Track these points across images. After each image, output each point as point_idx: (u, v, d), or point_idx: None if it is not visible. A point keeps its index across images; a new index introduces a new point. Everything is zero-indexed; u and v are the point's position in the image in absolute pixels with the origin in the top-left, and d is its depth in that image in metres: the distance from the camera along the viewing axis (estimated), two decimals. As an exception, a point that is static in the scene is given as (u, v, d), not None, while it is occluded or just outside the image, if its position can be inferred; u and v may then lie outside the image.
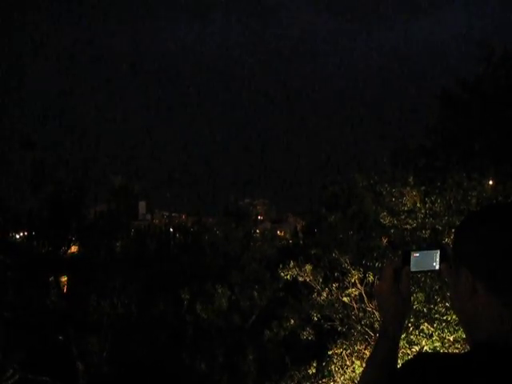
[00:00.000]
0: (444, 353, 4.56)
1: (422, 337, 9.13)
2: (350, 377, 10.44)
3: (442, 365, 1.23)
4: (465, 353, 1.31)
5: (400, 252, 1.68)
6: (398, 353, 1.65)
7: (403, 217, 12.10)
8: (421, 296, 9.58)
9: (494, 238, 1.25)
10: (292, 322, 14.63)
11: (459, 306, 1.35)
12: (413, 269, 1.63)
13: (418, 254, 1.62)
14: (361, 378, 1.64)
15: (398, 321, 1.64)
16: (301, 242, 31.61)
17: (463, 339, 8.73)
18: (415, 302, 9.46)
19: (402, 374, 1.30)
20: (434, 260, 1.58)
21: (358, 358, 10.51)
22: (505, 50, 14.56)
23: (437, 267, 1.57)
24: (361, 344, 10.80)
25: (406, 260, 1.64)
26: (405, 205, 12.13)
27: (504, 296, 1.23)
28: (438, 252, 1.57)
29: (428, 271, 1.63)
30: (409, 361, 1.31)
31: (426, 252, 1.61)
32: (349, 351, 10.78)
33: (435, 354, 1.33)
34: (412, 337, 9.23)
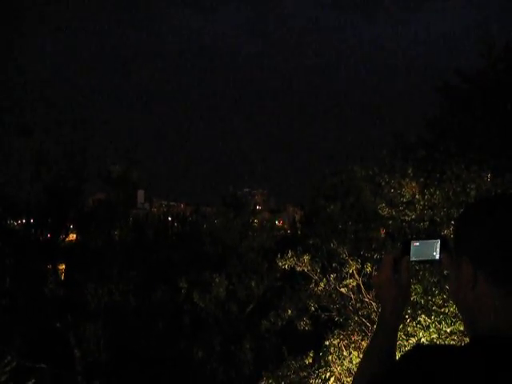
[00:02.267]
0: (442, 344, 4.56)
1: (420, 328, 9.13)
2: (347, 367, 10.45)
3: (440, 356, 1.22)
4: (464, 344, 1.30)
5: (399, 243, 1.67)
6: (396, 343, 1.64)
7: (402, 208, 12.10)
8: (419, 287, 9.58)
9: (495, 229, 1.24)
10: (289, 311, 14.64)
11: (460, 297, 1.34)
12: (412, 258, 1.61)
13: (418, 244, 1.60)
14: (358, 368, 1.63)
15: (396, 311, 1.62)
16: (299, 232, 31.64)
17: (460, 331, 8.75)
18: (413, 294, 9.46)
19: (400, 366, 1.29)
20: (434, 250, 1.56)
21: (355, 348, 10.52)
22: (506, 43, 14.53)
23: (437, 257, 1.55)
24: (358, 335, 10.81)
25: (406, 249, 1.62)
26: (404, 196, 12.13)
27: (505, 287, 1.22)
28: (439, 242, 1.55)
29: (428, 261, 1.61)
30: (407, 352, 1.30)
31: (426, 242, 1.59)
32: (346, 342, 10.79)
33: (434, 345, 1.32)
34: (409, 328, 9.23)
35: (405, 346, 8.82)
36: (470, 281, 1.27)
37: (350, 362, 10.44)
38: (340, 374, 10.56)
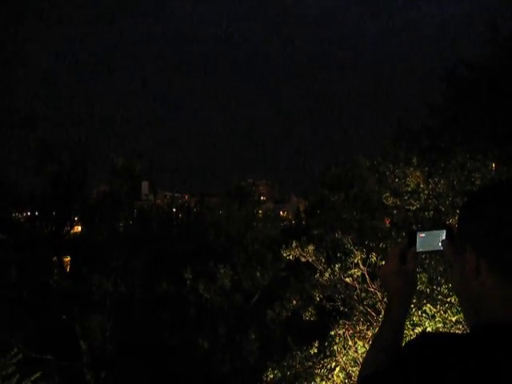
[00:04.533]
0: (447, 332, 4.55)
1: (425, 318, 9.13)
2: (353, 357, 10.45)
3: (445, 344, 1.21)
4: (468, 333, 1.29)
5: (404, 232, 1.66)
6: (403, 334, 1.64)
7: (406, 197, 12.06)
8: (424, 277, 9.57)
9: (499, 218, 1.23)
10: (294, 302, 14.66)
11: (463, 286, 1.33)
12: (419, 249, 1.61)
13: (424, 235, 1.60)
14: (365, 358, 1.63)
15: (403, 302, 1.63)
16: (303, 223, 31.66)
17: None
18: (418, 283, 9.42)
19: (405, 353, 1.29)
20: (440, 240, 1.55)
21: (360, 338, 10.50)
22: (511, 30, 14.43)
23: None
24: (363, 324, 10.79)
25: (412, 240, 1.62)
26: (408, 185, 12.09)
27: (509, 276, 1.21)
28: (445, 232, 1.54)
29: (434, 251, 1.60)
30: (412, 340, 1.30)
31: (432, 232, 1.58)
32: (351, 331, 10.78)
33: (439, 333, 1.31)
34: (415, 318, 9.22)
35: (410, 336, 8.81)
36: (474, 270, 1.26)
37: (356, 351, 10.44)
38: (345, 363, 10.56)
